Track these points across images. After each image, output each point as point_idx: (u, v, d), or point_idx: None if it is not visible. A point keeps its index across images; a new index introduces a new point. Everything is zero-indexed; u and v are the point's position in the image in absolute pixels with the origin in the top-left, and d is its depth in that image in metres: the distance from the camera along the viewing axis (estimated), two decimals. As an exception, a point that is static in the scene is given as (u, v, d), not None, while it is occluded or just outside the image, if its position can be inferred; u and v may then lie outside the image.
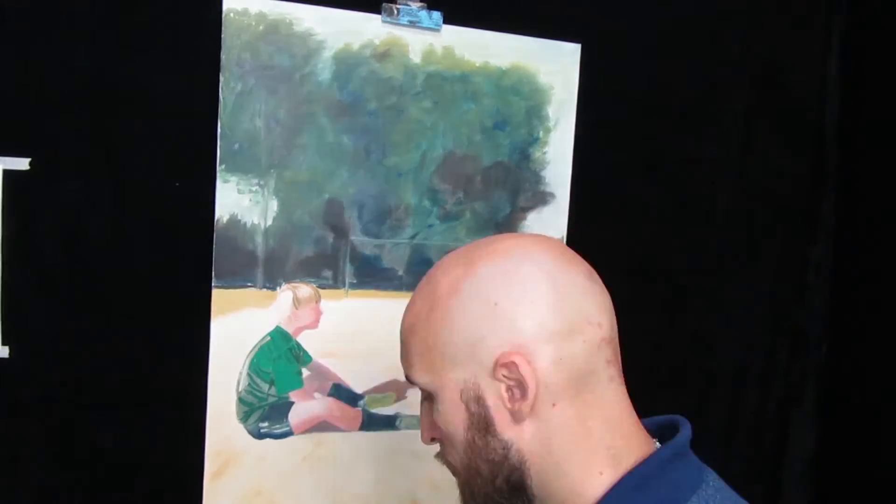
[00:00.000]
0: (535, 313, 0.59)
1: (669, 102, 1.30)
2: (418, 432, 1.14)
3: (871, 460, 1.38)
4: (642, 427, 0.64)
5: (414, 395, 1.16)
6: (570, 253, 0.65)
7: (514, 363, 0.58)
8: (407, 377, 0.67)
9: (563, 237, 1.21)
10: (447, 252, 1.17)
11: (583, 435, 0.60)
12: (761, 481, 1.45)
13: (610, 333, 0.62)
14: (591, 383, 0.60)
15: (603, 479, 0.60)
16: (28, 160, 0.96)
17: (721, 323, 1.38)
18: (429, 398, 0.66)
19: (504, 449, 0.61)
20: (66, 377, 1.01)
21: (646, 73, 1.28)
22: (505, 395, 0.60)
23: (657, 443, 0.64)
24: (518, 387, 0.59)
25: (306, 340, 1.10)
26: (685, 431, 0.63)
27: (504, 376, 0.59)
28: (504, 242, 0.64)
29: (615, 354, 0.63)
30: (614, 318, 0.63)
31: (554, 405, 0.59)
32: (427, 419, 0.67)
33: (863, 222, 1.41)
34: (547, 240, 0.66)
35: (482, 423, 0.61)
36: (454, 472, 0.66)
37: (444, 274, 0.63)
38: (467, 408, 0.61)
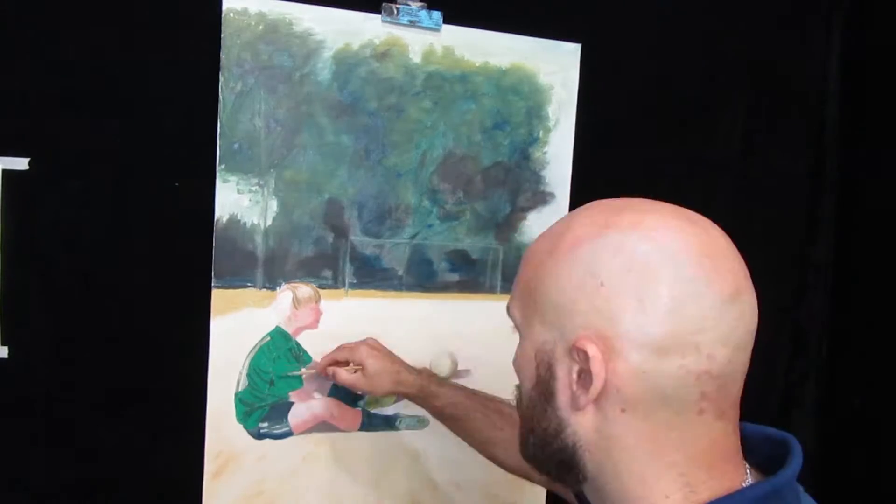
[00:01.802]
0: (639, 313, 0.52)
1: (669, 102, 1.30)
2: (418, 432, 1.16)
3: (871, 460, 1.38)
4: (738, 463, 0.57)
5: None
6: (726, 260, 0.55)
7: (586, 352, 0.53)
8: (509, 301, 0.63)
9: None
10: (446, 252, 1.19)
11: (651, 452, 0.55)
12: (761, 481, 1.44)
13: (721, 369, 0.53)
14: (674, 408, 0.54)
15: (669, 503, 0.55)
16: (27, 160, 0.96)
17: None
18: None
19: (559, 426, 0.57)
20: (66, 377, 1.00)
21: (646, 73, 1.28)
22: (574, 376, 0.55)
23: (748, 474, 0.57)
24: (587, 374, 0.54)
25: (306, 340, 1.10)
26: (789, 468, 0.56)
27: (578, 359, 0.54)
28: (651, 218, 0.55)
29: (720, 391, 0.54)
30: (744, 351, 0.55)
31: (623, 411, 0.54)
32: None
33: (863, 222, 1.41)
34: (706, 234, 0.56)
35: (546, 391, 0.57)
36: (519, 415, 0.62)
37: (582, 221, 0.57)
38: (538, 369, 0.57)
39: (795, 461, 0.57)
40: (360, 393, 1.06)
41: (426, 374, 1.05)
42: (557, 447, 0.57)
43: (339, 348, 1.06)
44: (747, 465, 0.58)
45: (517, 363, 0.61)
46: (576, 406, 0.55)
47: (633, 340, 0.52)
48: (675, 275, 0.53)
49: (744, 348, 0.55)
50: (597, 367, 0.53)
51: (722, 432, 0.55)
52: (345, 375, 1.02)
